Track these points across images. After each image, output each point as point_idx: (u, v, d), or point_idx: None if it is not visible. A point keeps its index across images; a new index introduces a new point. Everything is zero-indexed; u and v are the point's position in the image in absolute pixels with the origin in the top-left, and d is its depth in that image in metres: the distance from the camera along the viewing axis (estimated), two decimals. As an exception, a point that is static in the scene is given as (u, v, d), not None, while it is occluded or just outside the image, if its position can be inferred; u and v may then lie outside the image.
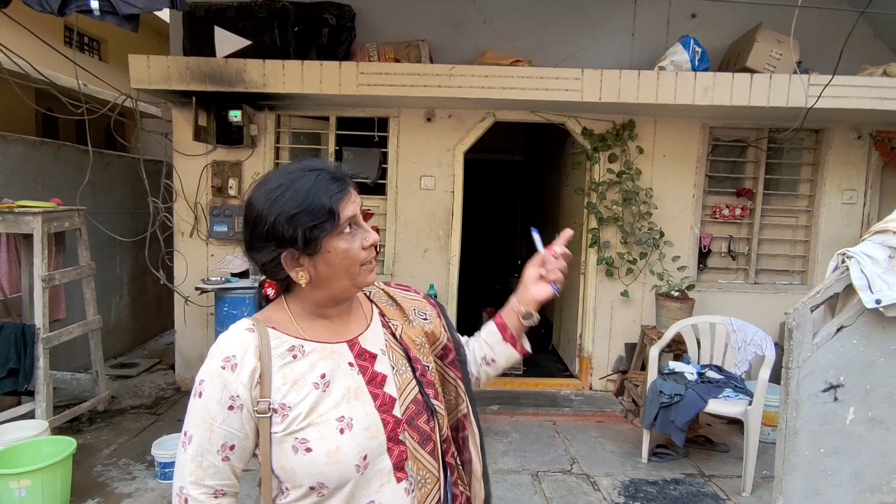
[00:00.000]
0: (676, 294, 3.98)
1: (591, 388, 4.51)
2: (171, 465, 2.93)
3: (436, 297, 3.97)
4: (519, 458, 3.41)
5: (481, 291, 6.52)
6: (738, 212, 4.41)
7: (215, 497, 0.92)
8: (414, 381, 1.01)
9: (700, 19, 4.27)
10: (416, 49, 4.01)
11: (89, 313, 3.79)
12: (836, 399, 1.84)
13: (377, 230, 1.08)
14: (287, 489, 0.94)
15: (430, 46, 4.09)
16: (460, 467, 1.06)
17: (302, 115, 4.32)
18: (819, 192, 4.38)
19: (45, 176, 4.15)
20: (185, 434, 0.93)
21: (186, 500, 0.91)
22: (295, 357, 0.94)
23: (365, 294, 1.09)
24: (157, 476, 3.00)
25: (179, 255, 4.25)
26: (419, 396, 1.00)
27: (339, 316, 1.01)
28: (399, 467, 0.95)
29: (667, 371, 3.46)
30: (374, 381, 0.98)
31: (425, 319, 1.10)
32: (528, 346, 1.19)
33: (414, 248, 4.31)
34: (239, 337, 0.93)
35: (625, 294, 4.33)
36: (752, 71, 3.79)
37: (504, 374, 4.72)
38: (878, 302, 1.69)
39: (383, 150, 4.33)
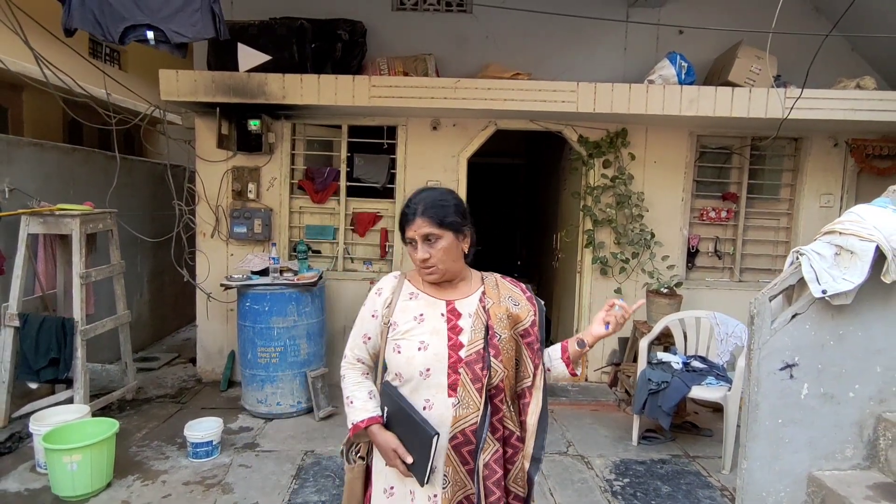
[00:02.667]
0: (665, 291, 4.28)
1: (586, 380, 4.81)
2: (203, 444, 3.25)
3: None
4: (519, 441, 3.70)
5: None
6: (723, 214, 4.71)
7: (357, 361, 1.56)
8: (483, 340, 1.41)
9: (686, 36, 4.58)
10: (424, 63, 4.31)
11: (119, 308, 4.08)
12: (791, 377, 2.14)
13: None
14: (387, 372, 1.49)
15: (436, 60, 4.40)
16: (513, 415, 1.44)
17: (316, 123, 4.62)
18: (798, 196, 4.69)
19: (76, 181, 4.44)
20: (355, 323, 1.56)
21: (346, 356, 1.57)
22: (411, 298, 1.49)
23: (481, 277, 1.56)
24: (190, 455, 3.29)
25: (201, 255, 4.54)
26: (481, 351, 1.40)
27: (444, 286, 1.50)
28: (452, 388, 1.38)
29: (655, 361, 3.75)
30: (454, 330, 1.43)
31: (515, 305, 1.49)
32: (578, 371, 1.56)
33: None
34: (388, 279, 1.55)
35: (618, 291, 4.63)
36: (733, 84, 4.10)
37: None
38: (824, 292, 1.99)
39: (392, 156, 4.63)
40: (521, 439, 1.43)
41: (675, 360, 3.67)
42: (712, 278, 4.79)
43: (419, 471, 1.36)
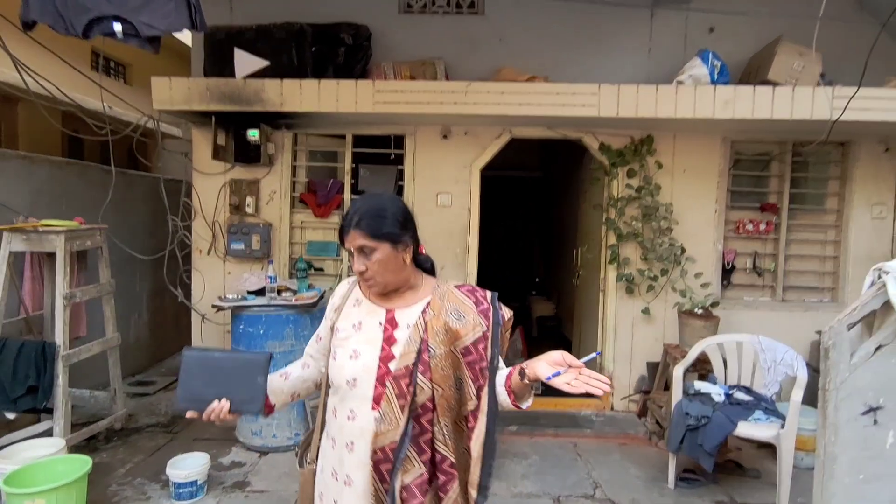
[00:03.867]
0: (700, 311, 3.87)
1: (612, 409, 4.38)
2: (187, 485, 2.92)
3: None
4: (539, 482, 3.30)
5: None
6: (762, 227, 4.29)
7: (306, 356, 1.56)
8: (415, 355, 1.33)
9: (718, 34, 4.23)
10: (432, 67, 4.03)
11: (108, 331, 3.81)
12: (875, 422, 1.74)
13: None
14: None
15: (445, 65, 4.12)
16: (448, 439, 1.32)
17: (318, 133, 4.36)
18: (847, 206, 4.25)
19: (69, 196, 4.24)
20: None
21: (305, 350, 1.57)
22: (355, 305, 1.46)
23: (434, 287, 1.45)
24: (172, 496, 2.96)
25: (197, 273, 4.28)
26: (410, 366, 1.32)
27: (389, 295, 1.43)
28: (376, 400, 1.32)
29: (692, 392, 3.33)
30: (388, 341, 1.37)
31: (458, 319, 1.37)
32: (524, 405, 1.36)
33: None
34: (343, 284, 1.54)
35: (646, 312, 4.23)
36: (773, 83, 3.72)
37: (522, 394, 4.64)
38: (920, 319, 1.60)
39: (399, 167, 4.34)
40: (459, 466, 1.32)
41: (717, 392, 3.25)
42: (751, 297, 4.35)
43: (252, 403, 1.34)
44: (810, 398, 3.11)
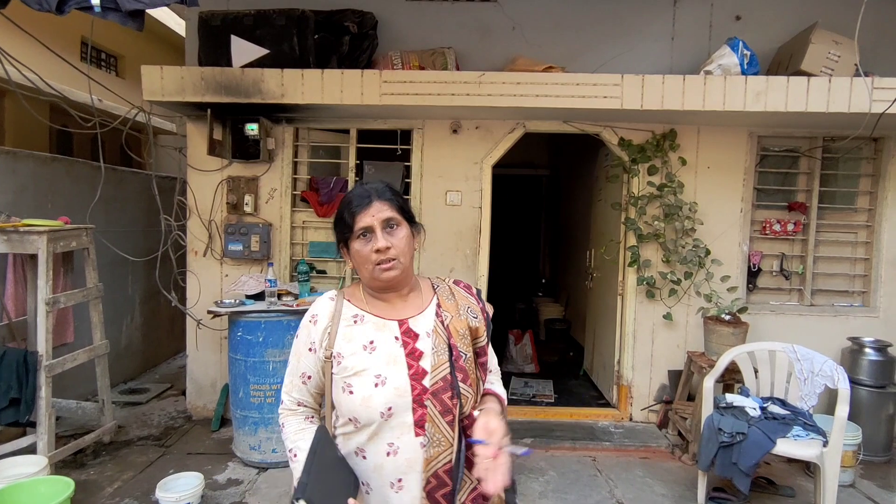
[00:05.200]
0: (728, 318, 3.63)
1: (631, 419, 4.15)
2: (177, 509, 2.68)
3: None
4: (560, 502, 3.07)
5: (505, 311, 6.21)
6: (790, 227, 4.05)
7: (298, 405, 1.31)
8: (448, 364, 1.21)
9: (745, 22, 3.98)
10: (442, 57, 3.79)
11: (96, 338, 3.57)
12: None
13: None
14: (337, 416, 1.26)
15: (456, 54, 3.87)
16: None
17: (321, 127, 4.11)
18: (880, 205, 4.02)
19: (55, 193, 3.99)
20: (289, 359, 1.31)
21: (283, 401, 1.32)
22: (355, 322, 1.25)
23: (432, 286, 1.34)
24: (162, 521, 2.73)
25: (192, 276, 4.04)
26: (448, 377, 1.20)
27: (394, 300, 1.27)
28: (419, 425, 1.17)
29: (724, 405, 3.10)
30: (413, 355, 1.21)
31: (474, 318, 1.30)
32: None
33: (439, 267, 4.03)
34: (323, 302, 1.30)
35: (668, 317, 3.99)
36: (807, 74, 3.48)
37: (535, 403, 4.41)
38: None
39: (406, 163, 4.10)
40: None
41: (751, 405, 3.02)
42: (777, 301, 4.12)
43: None
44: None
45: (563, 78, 3.51)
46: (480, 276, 4.07)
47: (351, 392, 1.19)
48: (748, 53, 3.53)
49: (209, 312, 3.43)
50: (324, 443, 1.18)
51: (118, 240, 4.24)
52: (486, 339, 1.30)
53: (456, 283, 1.38)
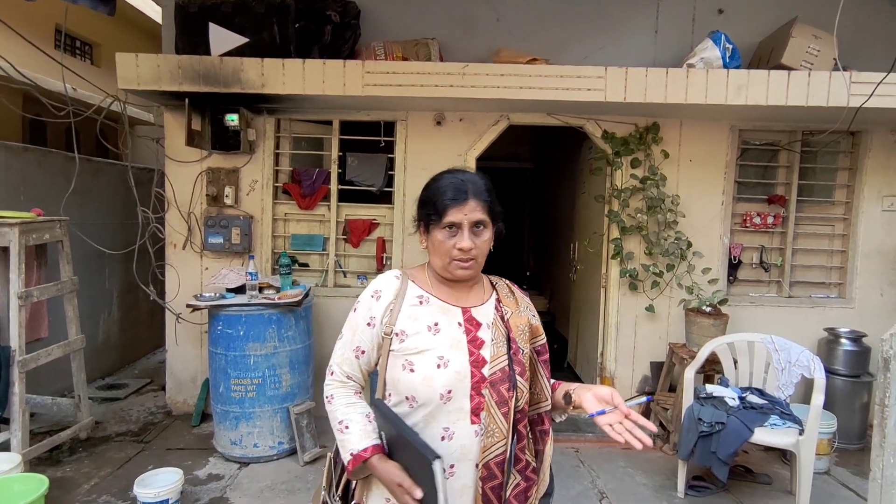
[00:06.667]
0: (709, 309, 3.67)
1: (613, 411, 4.18)
2: (156, 505, 2.64)
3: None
4: (542, 493, 3.09)
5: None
6: (769, 220, 4.11)
7: (347, 379, 1.29)
8: (506, 356, 1.22)
9: (727, 15, 4.01)
10: (426, 48, 3.75)
11: (71, 332, 3.49)
12: (942, 443, 1.54)
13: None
14: (390, 395, 1.25)
15: (440, 46, 3.84)
16: (531, 441, 1.25)
17: (303, 118, 4.05)
18: (857, 198, 4.09)
19: (28, 184, 3.88)
20: (341, 332, 1.31)
21: (333, 373, 1.30)
22: (420, 303, 1.26)
23: (490, 283, 1.36)
24: (140, 517, 2.68)
25: (171, 269, 3.96)
26: (506, 368, 1.21)
27: (460, 289, 1.29)
28: (475, 413, 1.18)
29: (703, 395, 3.14)
30: (474, 343, 1.23)
31: (533, 316, 1.33)
32: (558, 419, 1.36)
33: (423, 259, 3.98)
34: (388, 279, 1.29)
35: (650, 309, 4.03)
36: (787, 68, 3.52)
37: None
38: None
39: (390, 155, 4.06)
40: (536, 470, 1.26)
41: (730, 395, 3.06)
42: (757, 293, 4.18)
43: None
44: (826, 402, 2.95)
45: (547, 70, 3.50)
46: (464, 269, 4.05)
47: (412, 370, 1.19)
48: (730, 47, 3.55)
49: (188, 306, 3.37)
50: (388, 410, 1.21)
51: (94, 232, 4.14)
52: (545, 338, 1.31)
53: (511, 283, 1.39)
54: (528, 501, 1.23)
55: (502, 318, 1.27)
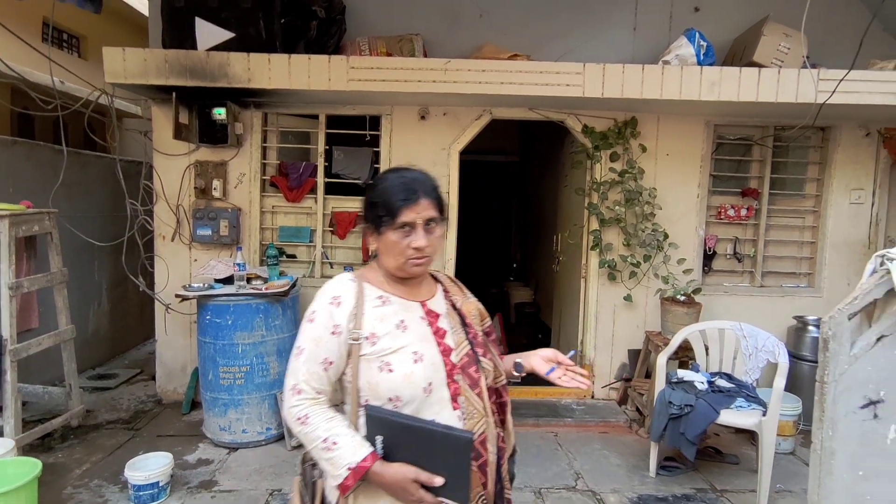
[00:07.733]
0: (683, 298, 3.82)
1: (593, 397, 4.33)
2: (147, 487, 2.74)
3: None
4: (521, 475, 3.22)
5: (477, 296, 6.34)
6: (743, 212, 4.25)
7: (318, 395, 1.23)
8: (466, 341, 1.30)
9: (703, 13, 4.13)
10: (410, 43, 3.83)
11: (61, 322, 3.56)
12: (875, 416, 1.67)
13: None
14: (367, 401, 1.22)
15: (424, 41, 3.92)
16: (496, 414, 1.31)
17: (290, 112, 4.12)
18: (826, 191, 4.24)
19: (16, 177, 3.92)
20: (297, 347, 1.24)
21: (300, 391, 1.22)
22: (383, 303, 1.27)
23: (433, 276, 1.41)
24: (131, 499, 2.78)
25: (160, 261, 4.03)
26: (470, 352, 1.28)
27: (412, 285, 1.32)
28: (454, 399, 1.24)
29: (675, 380, 3.29)
30: (438, 334, 1.28)
31: (478, 302, 1.44)
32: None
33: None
34: (343, 284, 1.28)
35: (628, 298, 4.17)
36: (758, 66, 3.64)
37: (502, 383, 4.55)
38: (925, 309, 1.53)
39: (375, 149, 4.15)
40: (504, 439, 1.34)
41: (699, 380, 3.20)
42: (731, 283, 4.33)
43: (458, 490, 1.15)
44: (788, 384, 3.10)
45: (527, 66, 3.59)
46: (448, 260, 4.17)
47: (391, 370, 1.19)
48: (704, 44, 3.67)
49: (178, 296, 3.45)
50: (386, 411, 1.20)
51: (83, 225, 4.20)
52: (490, 321, 1.42)
53: (447, 275, 1.48)
54: (502, 467, 1.32)
55: (453, 306, 1.35)
